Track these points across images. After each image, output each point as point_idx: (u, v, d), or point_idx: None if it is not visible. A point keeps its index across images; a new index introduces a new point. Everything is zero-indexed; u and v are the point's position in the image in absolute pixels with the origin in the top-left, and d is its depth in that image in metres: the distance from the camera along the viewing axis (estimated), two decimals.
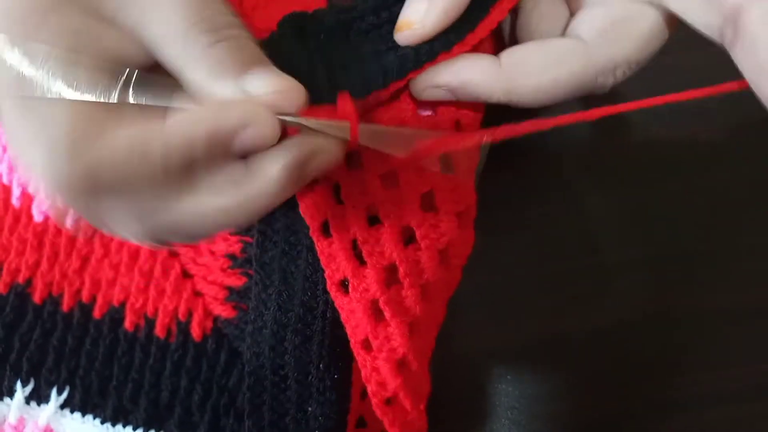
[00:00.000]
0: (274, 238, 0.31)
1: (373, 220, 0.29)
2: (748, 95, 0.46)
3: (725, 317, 0.40)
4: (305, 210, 0.29)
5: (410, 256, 0.29)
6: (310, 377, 0.30)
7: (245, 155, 0.23)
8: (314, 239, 0.29)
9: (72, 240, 0.35)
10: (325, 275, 0.29)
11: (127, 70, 0.23)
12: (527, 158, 0.43)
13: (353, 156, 0.29)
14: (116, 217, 0.23)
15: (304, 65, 0.26)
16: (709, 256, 0.41)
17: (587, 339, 0.40)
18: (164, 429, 0.33)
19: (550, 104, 0.28)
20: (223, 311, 0.34)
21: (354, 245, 0.29)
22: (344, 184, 0.29)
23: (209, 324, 0.34)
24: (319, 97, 0.25)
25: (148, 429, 0.33)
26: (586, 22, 0.28)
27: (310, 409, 0.30)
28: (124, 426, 0.34)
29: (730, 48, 0.24)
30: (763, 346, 0.40)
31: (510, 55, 0.28)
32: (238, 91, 0.22)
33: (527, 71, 0.27)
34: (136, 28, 0.24)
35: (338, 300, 0.29)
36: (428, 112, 0.29)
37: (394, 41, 0.27)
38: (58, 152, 0.22)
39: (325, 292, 0.30)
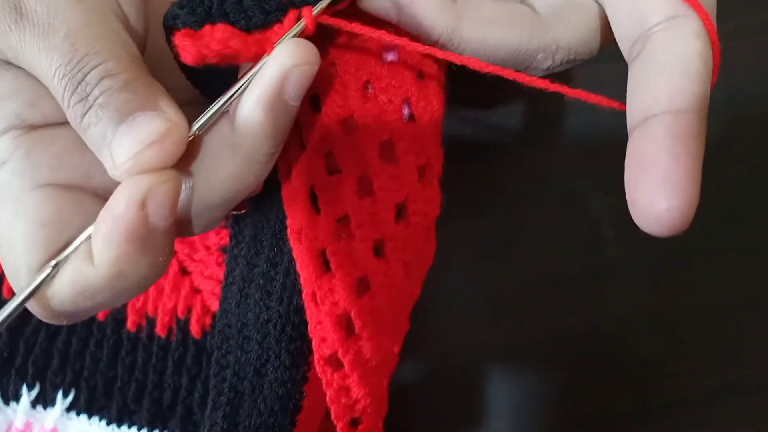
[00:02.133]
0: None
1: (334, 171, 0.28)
2: (744, 93, 0.45)
3: (725, 313, 0.39)
4: (288, 205, 0.28)
5: (365, 207, 0.27)
6: (268, 338, 0.28)
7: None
8: (292, 242, 0.28)
9: None
10: (287, 223, 0.28)
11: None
12: (526, 157, 0.43)
13: (314, 99, 0.28)
14: None
15: None
16: (709, 253, 0.40)
17: (588, 336, 0.39)
18: (167, 428, 0.33)
19: (500, 56, 0.27)
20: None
21: (313, 194, 0.28)
22: (306, 128, 0.28)
23: (208, 320, 0.34)
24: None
25: (152, 429, 0.33)
26: None
27: (266, 373, 0.28)
28: (129, 426, 0.34)
29: (630, 63, 0.24)
30: (765, 341, 0.39)
31: None
32: (111, 161, 0.21)
33: (479, 18, 0.26)
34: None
35: (294, 249, 0.28)
36: (392, 57, 0.28)
37: None
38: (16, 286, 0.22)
39: (291, 248, 0.28)
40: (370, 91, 0.28)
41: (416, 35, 0.26)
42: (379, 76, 0.27)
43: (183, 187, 0.22)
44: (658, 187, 0.20)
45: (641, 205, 0.21)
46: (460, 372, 0.39)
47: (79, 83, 0.21)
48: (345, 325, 0.27)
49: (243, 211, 0.31)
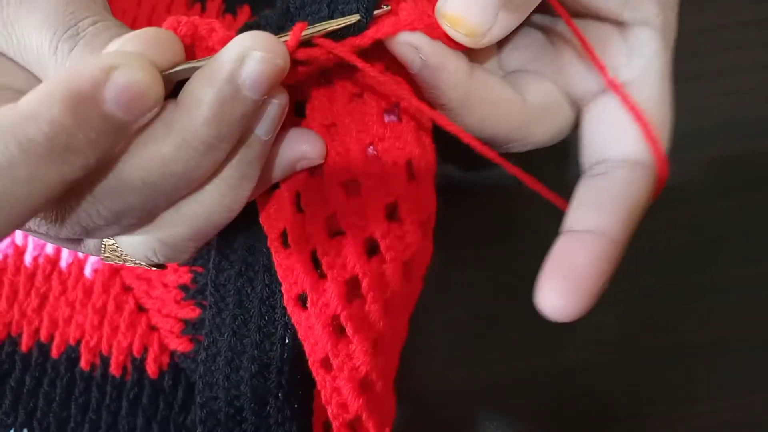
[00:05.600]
0: (231, 258, 0.29)
1: (336, 233, 0.28)
2: (709, 135, 0.44)
3: (693, 353, 0.39)
4: (265, 219, 0.28)
5: (374, 268, 0.27)
6: (268, 408, 0.28)
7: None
8: (272, 250, 0.28)
9: (31, 278, 0.35)
10: (282, 289, 0.27)
11: None
12: (493, 194, 0.43)
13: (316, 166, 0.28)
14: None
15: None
16: (677, 292, 0.40)
17: (555, 376, 0.39)
18: None
19: (484, 135, 0.28)
20: (180, 345, 0.32)
21: (314, 257, 0.27)
22: (304, 192, 0.27)
23: (165, 359, 0.33)
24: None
25: None
26: (531, 89, 0.28)
27: None
28: None
29: (586, 175, 0.27)
30: (734, 381, 0.39)
31: (482, 72, 0.27)
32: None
33: (489, 97, 0.27)
34: (24, 62, 0.23)
35: (295, 316, 0.27)
36: (393, 118, 0.28)
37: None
38: None
39: (284, 315, 0.28)
40: (372, 153, 0.28)
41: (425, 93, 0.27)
42: (381, 138, 0.27)
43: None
44: (559, 287, 0.24)
45: (541, 291, 0.25)
46: (428, 412, 0.38)
47: (71, 27, 0.22)
48: (366, 388, 0.27)
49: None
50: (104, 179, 0.21)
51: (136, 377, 0.33)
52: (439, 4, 0.25)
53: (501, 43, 0.29)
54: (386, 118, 0.28)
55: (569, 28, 0.27)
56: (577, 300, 0.24)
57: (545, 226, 0.42)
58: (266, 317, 0.28)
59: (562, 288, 0.24)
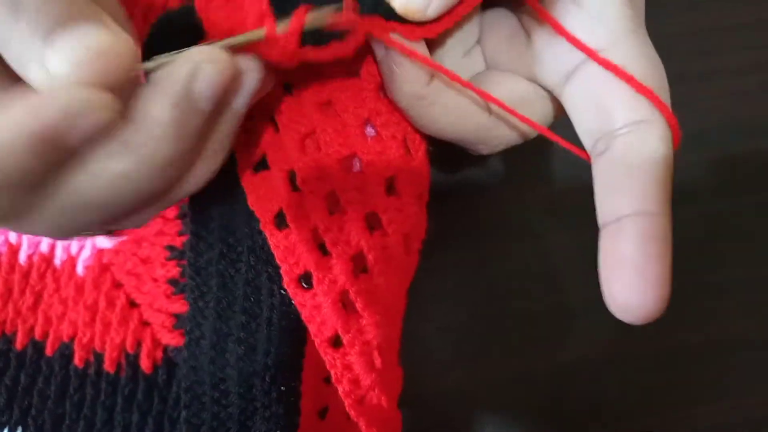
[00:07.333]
0: (209, 240, 0.29)
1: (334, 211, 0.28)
2: (720, 132, 0.44)
3: (693, 353, 0.39)
4: (255, 201, 0.27)
5: (378, 242, 0.27)
6: (254, 390, 0.28)
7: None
8: (267, 233, 0.27)
9: (26, 276, 0.35)
10: (282, 271, 0.27)
11: None
12: (490, 197, 0.43)
13: (311, 138, 0.27)
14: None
15: None
16: (676, 292, 0.40)
17: (554, 376, 0.38)
18: None
19: (442, 137, 0.28)
20: (172, 339, 0.32)
21: (313, 235, 0.27)
22: (300, 170, 0.27)
23: (159, 354, 0.33)
24: None
25: None
26: (500, 89, 0.27)
27: (253, 425, 0.28)
28: None
29: (595, 157, 0.25)
30: (734, 382, 0.38)
31: (443, 78, 0.27)
32: (43, 72, 0.19)
33: (445, 101, 0.26)
34: None
35: (298, 297, 0.27)
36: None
37: None
38: None
39: (270, 296, 0.28)
40: (370, 128, 0.28)
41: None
42: (379, 113, 0.27)
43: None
44: (634, 286, 0.23)
45: (619, 301, 0.23)
46: (426, 414, 0.38)
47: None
48: (376, 363, 0.27)
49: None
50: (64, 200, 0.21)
51: (130, 373, 0.33)
52: None
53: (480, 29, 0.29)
54: (382, 94, 0.28)
55: (532, 8, 0.26)
56: (652, 294, 0.23)
57: (539, 225, 0.41)
58: (252, 298, 0.28)
59: (630, 291, 0.22)
